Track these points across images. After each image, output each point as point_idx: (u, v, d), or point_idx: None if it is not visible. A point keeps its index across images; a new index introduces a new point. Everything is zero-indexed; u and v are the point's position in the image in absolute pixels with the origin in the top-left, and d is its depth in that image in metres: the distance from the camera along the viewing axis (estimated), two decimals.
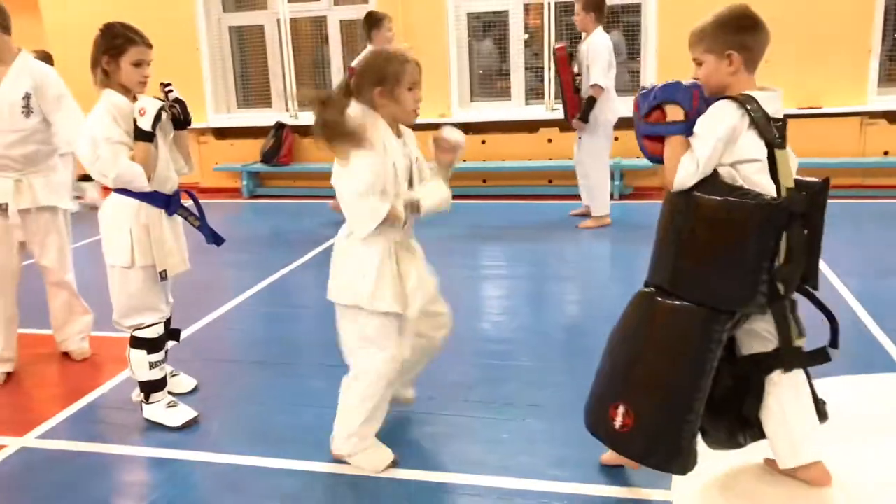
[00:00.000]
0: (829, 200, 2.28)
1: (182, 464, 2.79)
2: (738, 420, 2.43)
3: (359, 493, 2.57)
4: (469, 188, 7.50)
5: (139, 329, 2.99)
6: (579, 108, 5.92)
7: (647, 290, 2.39)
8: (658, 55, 7.24)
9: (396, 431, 2.90)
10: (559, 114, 6.63)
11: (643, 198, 7.17)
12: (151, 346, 3.00)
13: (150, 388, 3.05)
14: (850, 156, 6.84)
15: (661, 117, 2.29)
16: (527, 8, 7.74)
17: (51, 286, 3.71)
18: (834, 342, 2.39)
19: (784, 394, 2.34)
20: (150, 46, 2.94)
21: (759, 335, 2.34)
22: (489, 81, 8.10)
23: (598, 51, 5.75)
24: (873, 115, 6.86)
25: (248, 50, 8.72)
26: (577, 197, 6.48)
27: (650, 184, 7.37)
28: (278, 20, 8.24)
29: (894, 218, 6.04)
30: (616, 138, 7.40)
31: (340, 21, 8.21)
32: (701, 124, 2.24)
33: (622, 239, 5.89)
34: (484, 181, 7.71)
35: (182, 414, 3.07)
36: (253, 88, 8.77)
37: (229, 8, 8.59)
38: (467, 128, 7.62)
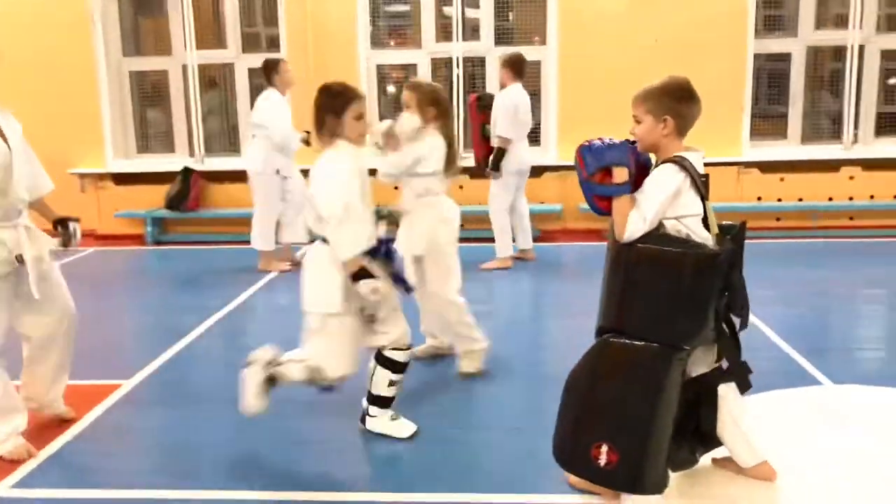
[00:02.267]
0: None
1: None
2: (697, 437, 2.74)
3: None
4: None
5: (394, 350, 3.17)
6: (487, 153, 6.33)
7: (605, 336, 2.62)
8: (558, 110, 7.80)
9: (381, 464, 3.03)
10: (470, 161, 6.97)
11: (550, 240, 7.60)
12: (396, 367, 3.19)
13: (382, 403, 3.24)
14: (729, 201, 7.59)
15: (606, 177, 2.60)
16: (434, 62, 8.12)
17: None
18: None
19: (733, 404, 2.70)
20: None
21: (701, 358, 2.66)
22: None
23: (505, 104, 6.17)
24: (748, 164, 7.69)
25: (148, 95, 8.58)
26: (489, 240, 6.76)
27: (555, 227, 7.85)
28: (184, 66, 8.18)
29: (769, 255, 6.76)
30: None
31: (249, 69, 8.26)
32: (649, 184, 2.57)
33: (532, 278, 6.26)
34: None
35: (406, 427, 3.25)
36: (154, 134, 8.61)
37: (129, 52, 8.44)
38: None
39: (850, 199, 7.67)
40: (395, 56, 8.19)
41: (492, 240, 6.56)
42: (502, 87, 6.37)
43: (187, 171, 7.95)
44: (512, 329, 4.99)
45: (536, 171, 7.77)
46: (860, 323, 5.14)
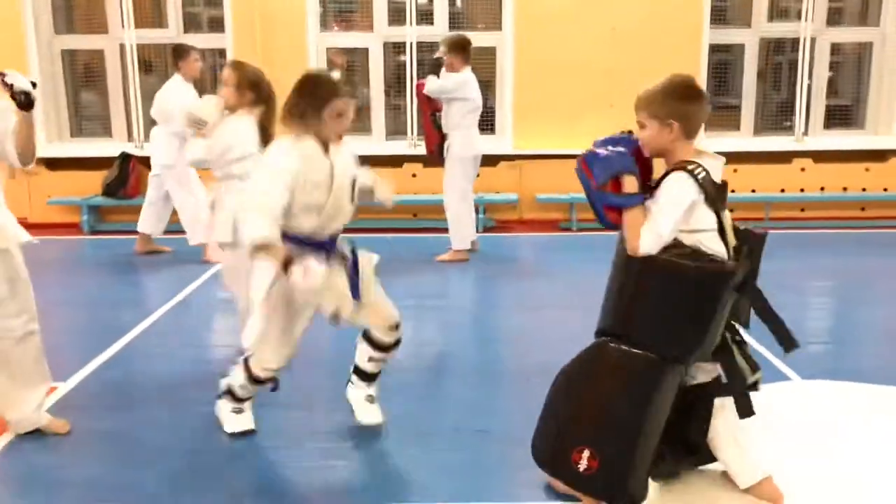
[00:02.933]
0: None
1: None
2: (684, 448, 2.63)
3: None
4: None
5: None
6: (440, 142, 6.09)
7: (603, 339, 2.50)
8: (514, 98, 7.66)
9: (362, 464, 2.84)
10: (423, 149, 6.77)
11: (506, 231, 7.47)
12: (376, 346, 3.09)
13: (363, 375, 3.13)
14: None
15: (615, 187, 2.43)
16: (387, 46, 7.88)
17: None
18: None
19: (731, 416, 2.56)
20: None
21: (704, 368, 2.55)
22: None
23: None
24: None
25: (83, 76, 8.12)
26: (443, 230, 6.55)
27: (510, 217, 7.72)
28: (122, 45, 7.76)
29: None
30: (477, 174, 7.72)
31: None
32: (664, 196, 2.39)
33: (488, 270, 6.09)
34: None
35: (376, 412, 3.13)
36: (89, 117, 8.16)
37: (61, 30, 7.96)
38: None
39: (802, 190, 7.74)
40: (345, 39, 7.91)
41: (446, 230, 6.28)
42: (451, 72, 6.02)
43: (126, 157, 7.55)
44: (468, 324, 4.85)
45: (492, 161, 7.64)
46: (819, 316, 5.15)
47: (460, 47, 6.01)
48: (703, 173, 2.38)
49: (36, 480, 2.83)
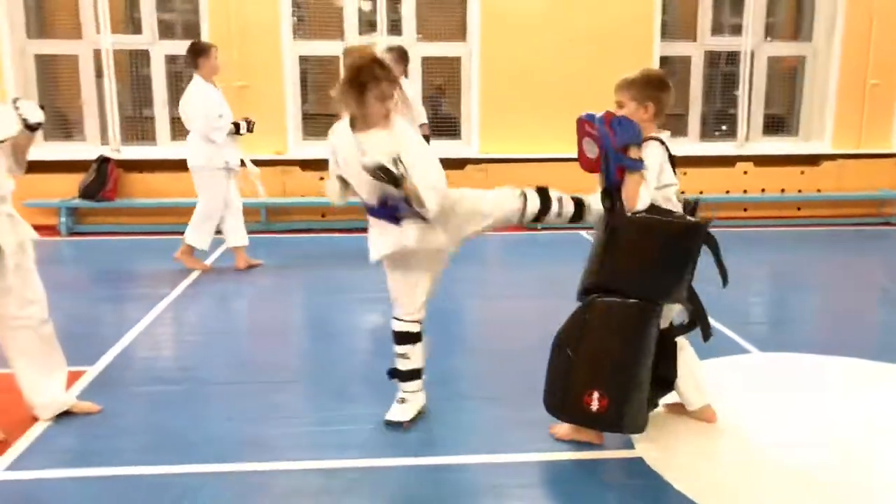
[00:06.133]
0: None
1: (164, 478, 2.86)
2: (657, 382, 3.10)
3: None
4: (307, 222, 7.82)
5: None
6: None
7: (591, 296, 2.95)
8: (480, 105, 8.10)
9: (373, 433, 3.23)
10: None
11: None
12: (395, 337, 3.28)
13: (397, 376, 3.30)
14: None
15: (625, 152, 2.90)
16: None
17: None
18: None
19: (688, 353, 3.15)
20: None
21: (665, 314, 3.04)
22: (313, 121, 8.41)
23: (412, 96, 6.19)
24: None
25: (54, 80, 8.22)
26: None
27: None
28: (96, 51, 7.91)
29: None
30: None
31: (165, 55, 8.07)
32: (646, 161, 2.88)
33: (456, 264, 6.49)
34: (323, 216, 7.98)
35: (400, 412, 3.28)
36: (61, 121, 8.26)
37: (33, 35, 8.06)
38: (304, 165, 7.90)
39: (744, 191, 8.40)
40: (317, 47, 8.22)
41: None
42: None
43: (104, 160, 7.70)
44: (451, 311, 5.23)
45: (460, 164, 8.08)
46: (766, 301, 5.72)
47: (404, 57, 6.28)
48: (664, 141, 2.95)
49: (79, 455, 3.07)
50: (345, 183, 3.22)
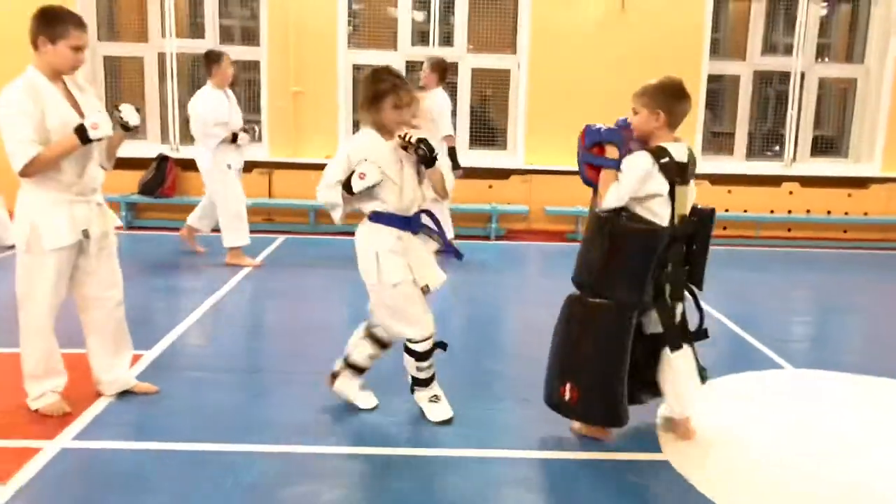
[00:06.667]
0: None
1: (223, 454, 3.07)
2: (642, 382, 3.24)
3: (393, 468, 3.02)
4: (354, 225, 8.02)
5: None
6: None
7: (572, 294, 3.16)
8: (527, 117, 8.25)
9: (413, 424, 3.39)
10: None
11: (515, 239, 8.04)
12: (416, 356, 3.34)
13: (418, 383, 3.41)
14: None
15: (600, 152, 3.06)
16: (408, 64, 8.45)
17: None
18: (702, 324, 3.24)
19: (677, 361, 3.18)
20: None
21: (654, 320, 3.15)
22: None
23: (441, 106, 6.50)
24: (699, 177, 8.27)
25: (120, 80, 8.62)
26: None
27: (520, 227, 8.29)
28: (160, 54, 8.27)
29: (719, 261, 7.35)
30: (490, 186, 8.29)
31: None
32: (625, 167, 3.02)
33: (500, 271, 6.66)
34: None
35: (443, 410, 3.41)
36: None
37: (103, 37, 8.47)
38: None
39: (789, 212, 8.38)
40: (371, 57, 8.47)
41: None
42: (426, 88, 6.55)
43: (164, 158, 8.04)
44: (491, 317, 5.38)
45: (505, 174, 8.25)
46: (804, 320, 5.73)
47: (439, 68, 6.57)
48: (666, 158, 2.98)
49: (137, 430, 3.30)
50: (350, 193, 3.19)
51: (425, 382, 3.42)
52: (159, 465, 2.97)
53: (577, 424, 3.28)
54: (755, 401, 3.71)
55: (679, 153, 3.03)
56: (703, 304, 3.26)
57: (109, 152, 3.49)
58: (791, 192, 8.40)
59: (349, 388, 3.52)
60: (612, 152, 3.03)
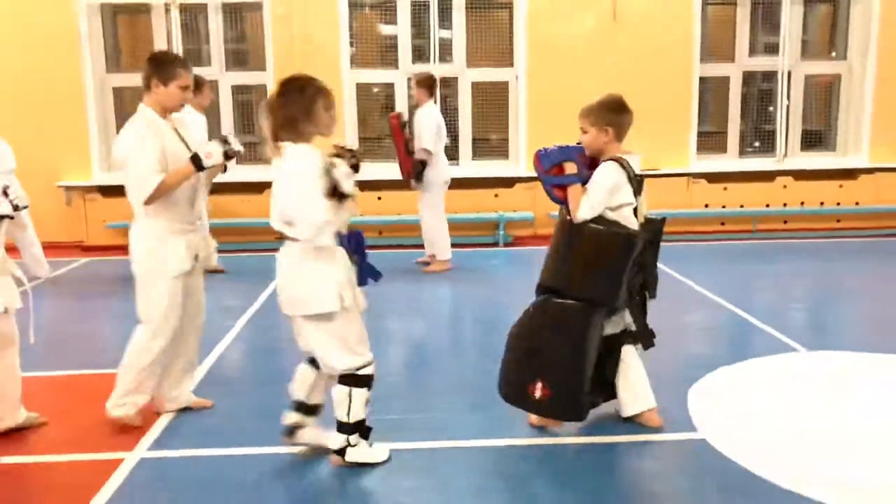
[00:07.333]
0: (668, 243, 3.42)
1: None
2: (598, 383, 3.40)
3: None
4: (367, 239, 8.23)
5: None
6: (412, 168, 6.77)
7: (544, 296, 3.32)
8: (528, 127, 8.53)
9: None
10: (390, 174, 7.57)
11: (521, 245, 8.30)
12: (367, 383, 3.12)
13: (358, 429, 3.12)
14: (681, 207, 8.48)
15: (559, 171, 3.28)
16: (410, 81, 8.71)
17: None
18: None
19: (631, 360, 3.42)
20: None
21: (612, 321, 3.38)
22: (365, 144, 8.91)
23: (426, 121, 6.71)
24: (696, 175, 8.61)
25: (130, 111, 8.80)
26: (411, 247, 7.49)
27: (526, 233, 8.55)
28: None
29: (718, 255, 7.66)
30: (497, 195, 8.56)
31: (232, 86, 8.65)
32: (596, 178, 3.23)
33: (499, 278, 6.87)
34: (380, 233, 8.44)
35: (381, 450, 3.22)
36: None
37: (111, 69, 8.69)
38: (362, 186, 8.35)
39: (784, 205, 8.69)
40: (373, 75, 8.74)
41: (414, 246, 7.24)
42: (418, 104, 6.84)
43: None
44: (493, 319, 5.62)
45: (509, 183, 8.52)
46: (808, 307, 6.02)
47: (428, 84, 6.81)
48: (626, 162, 3.23)
49: (201, 438, 3.52)
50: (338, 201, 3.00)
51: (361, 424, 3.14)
52: (220, 467, 3.20)
53: (535, 417, 3.44)
54: (779, 382, 3.96)
55: (635, 165, 3.27)
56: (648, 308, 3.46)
57: (208, 180, 3.74)
58: (785, 186, 8.70)
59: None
60: (570, 168, 3.24)
